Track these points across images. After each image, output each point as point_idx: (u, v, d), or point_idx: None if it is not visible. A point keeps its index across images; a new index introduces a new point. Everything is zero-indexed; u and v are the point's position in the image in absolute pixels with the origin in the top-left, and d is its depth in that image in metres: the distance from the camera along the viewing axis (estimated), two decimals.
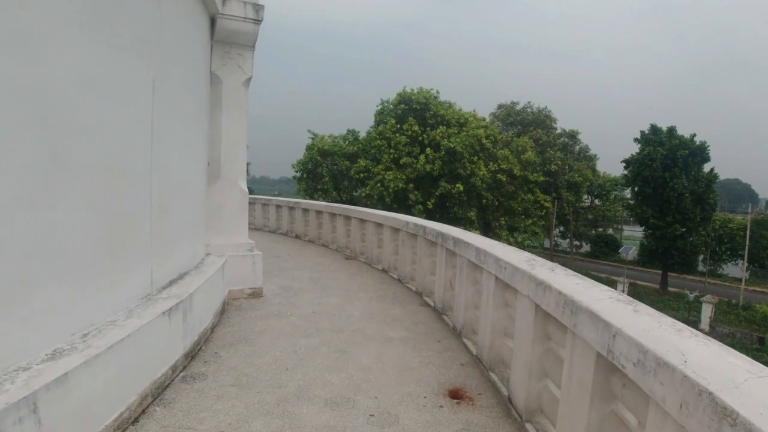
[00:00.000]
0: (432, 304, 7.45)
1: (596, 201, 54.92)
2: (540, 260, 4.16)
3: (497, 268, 4.54)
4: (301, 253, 12.20)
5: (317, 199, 36.16)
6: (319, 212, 13.81)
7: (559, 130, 50.52)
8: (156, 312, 4.42)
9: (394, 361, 5.22)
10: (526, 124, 48.79)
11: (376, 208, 31.92)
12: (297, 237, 14.98)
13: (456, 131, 32.44)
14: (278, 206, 16.23)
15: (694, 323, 28.74)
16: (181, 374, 4.81)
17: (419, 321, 6.70)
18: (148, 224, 4.85)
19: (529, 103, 50.15)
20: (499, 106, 51.76)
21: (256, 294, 7.86)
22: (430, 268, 7.80)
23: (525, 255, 4.43)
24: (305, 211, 14.62)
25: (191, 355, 5.22)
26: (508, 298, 4.54)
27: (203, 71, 7.19)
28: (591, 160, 53.65)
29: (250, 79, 8.02)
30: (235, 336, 5.95)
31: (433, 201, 30.92)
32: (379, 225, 10.25)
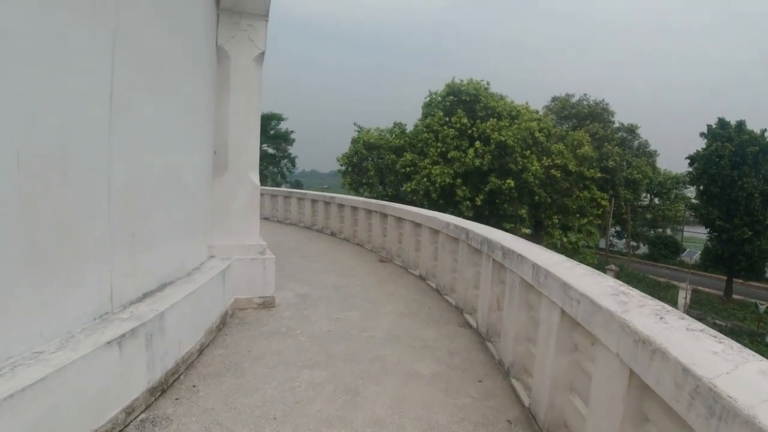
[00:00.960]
0: (474, 324, 6.06)
1: (655, 200, 51.61)
2: (635, 294, 2.73)
3: (564, 298, 3.15)
4: (332, 253, 11.02)
5: (362, 194, 35.06)
6: (354, 208, 12.60)
7: (616, 124, 47.68)
8: (98, 342, 3.28)
9: (418, 410, 3.89)
10: (582, 117, 46.17)
11: (421, 203, 30.46)
12: (332, 234, 13.83)
13: (507, 124, 30.52)
14: (314, 201, 15.12)
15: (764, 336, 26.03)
16: (141, 416, 3.67)
17: (456, 350, 5.31)
18: (104, 224, 3.71)
19: (585, 95, 47.46)
20: (553, 99, 49.27)
21: (266, 304, 6.69)
22: (473, 279, 6.42)
23: (608, 282, 3.02)
24: (341, 206, 13.44)
25: (161, 389, 4.07)
26: (579, 341, 3.14)
27: (205, 43, 6.05)
28: (651, 156, 50.51)
29: (263, 54, 6.84)
30: (225, 362, 4.77)
31: (481, 197, 29.17)
32: (417, 225, 8.91)
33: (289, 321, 6.09)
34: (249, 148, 6.81)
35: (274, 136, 48.65)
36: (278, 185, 62.94)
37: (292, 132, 49.56)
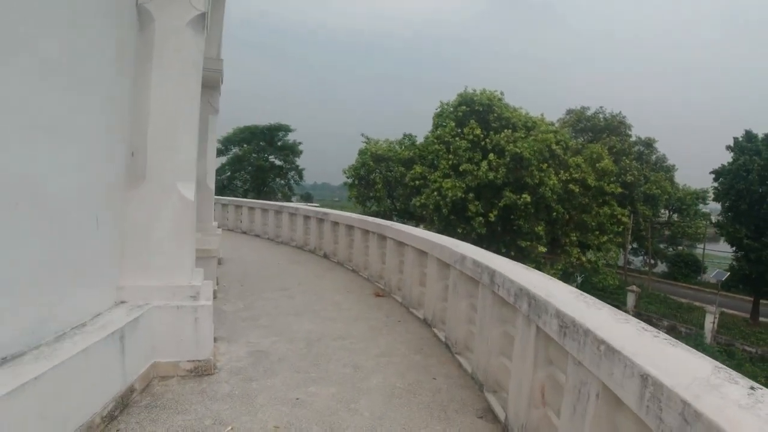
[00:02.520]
0: (502, 416, 3.87)
1: (674, 216, 48.97)
2: None
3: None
4: (318, 282, 8.89)
5: (370, 208, 32.99)
6: (350, 227, 10.49)
7: (633, 138, 45.32)
8: None
9: None
10: (598, 130, 43.85)
11: (431, 219, 28.27)
12: (325, 256, 11.72)
13: (523, 135, 28.35)
14: (306, 217, 13.04)
15: None
16: None
17: None
18: None
19: (601, 108, 45.14)
20: (568, 112, 47.02)
21: (200, 370, 4.57)
22: (499, 343, 4.24)
23: None
24: (335, 224, 11.34)
25: None
26: None
27: None
28: (669, 171, 48.03)
29: (203, 17, 4.79)
30: None
31: (495, 213, 26.88)
32: (422, 253, 6.76)
33: (223, 404, 3.95)
34: (180, 147, 4.72)
35: (281, 147, 46.84)
36: (288, 198, 61.23)
37: (300, 143, 47.73)
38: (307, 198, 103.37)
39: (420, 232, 7.30)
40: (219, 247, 10.31)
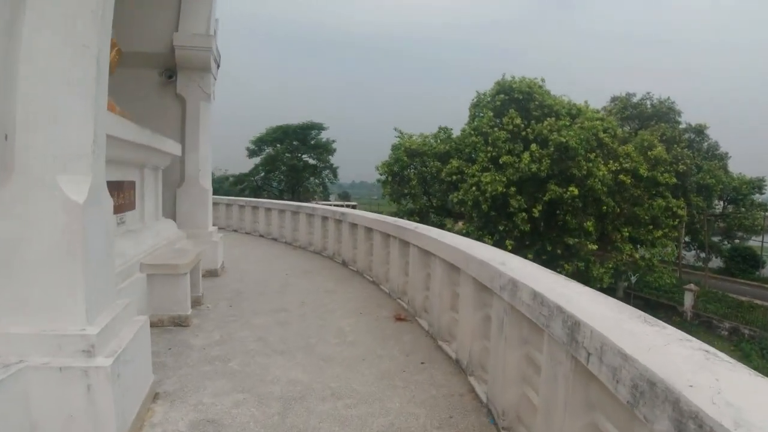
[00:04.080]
0: None
1: (729, 207, 45.05)
2: None
3: None
4: (327, 300, 7.13)
5: (405, 206, 31.09)
6: (369, 230, 8.69)
7: (683, 125, 41.84)
8: None
9: None
10: (645, 118, 40.65)
11: (470, 215, 26.16)
12: (343, 264, 9.96)
13: (567, 123, 25.87)
14: (324, 218, 11.32)
15: None
16: None
17: None
18: None
19: (647, 94, 41.85)
20: (613, 99, 43.80)
21: None
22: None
23: None
24: (353, 226, 9.57)
25: None
26: None
27: None
28: (722, 159, 44.18)
29: None
30: None
31: (539, 208, 24.56)
32: (454, 268, 4.89)
33: None
34: (66, 122, 3.02)
35: (314, 145, 45.55)
36: (326, 198, 59.98)
37: (333, 141, 46.30)
38: (344, 196, 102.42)
39: (450, 237, 5.39)
40: (220, 255, 8.73)
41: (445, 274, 5.13)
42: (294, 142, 45.10)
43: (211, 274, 8.50)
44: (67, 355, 2.88)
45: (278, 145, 44.75)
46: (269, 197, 43.90)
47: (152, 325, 5.72)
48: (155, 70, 8.35)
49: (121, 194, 6.09)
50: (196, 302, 6.61)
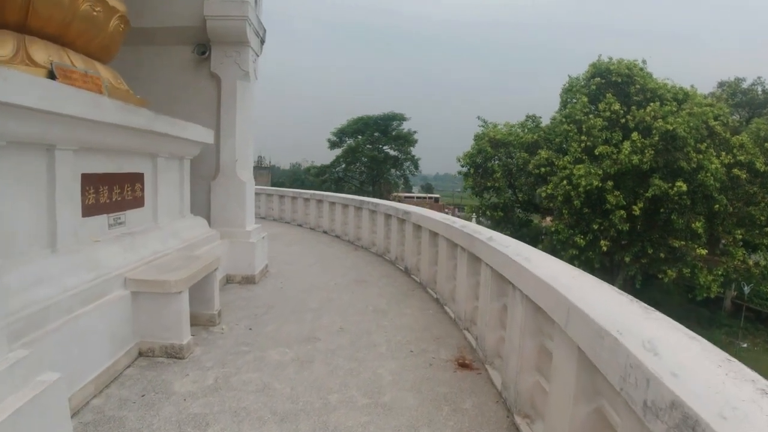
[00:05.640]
0: None
1: None
2: None
3: None
4: (373, 325, 5.51)
5: (488, 200, 28.86)
6: (434, 234, 6.98)
7: None
8: None
9: None
10: (757, 105, 35.21)
11: (560, 212, 23.40)
12: (406, 272, 8.33)
13: (674, 109, 22.42)
14: (387, 216, 9.72)
15: None
16: None
17: None
18: None
19: (759, 78, 36.23)
20: (720, 85, 38.37)
21: None
22: None
23: None
24: (417, 228, 7.91)
25: None
26: None
27: None
28: None
29: None
30: None
31: (640, 205, 21.39)
32: (544, 314, 3.09)
33: None
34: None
35: (395, 137, 44.09)
36: (408, 190, 58.52)
37: (414, 132, 44.57)
38: (427, 189, 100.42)
39: (540, 263, 3.45)
40: (259, 258, 7.45)
41: (529, 317, 3.35)
42: (375, 134, 43.89)
43: (247, 281, 7.19)
44: None
45: (359, 137, 43.76)
46: (349, 190, 43.13)
47: (141, 354, 4.42)
48: (187, 46, 7.13)
49: (117, 189, 4.83)
50: (209, 322, 5.26)
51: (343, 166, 45.37)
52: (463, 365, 4.35)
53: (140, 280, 4.29)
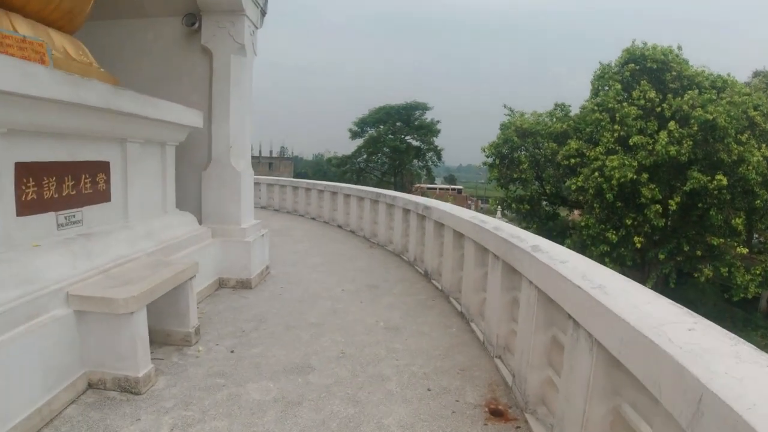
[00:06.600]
0: None
1: None
2: None
3: None
4: (386, 347, 4.51)
5: (514, 192, 27.47)
6: (459, 235, 5.92)
7: None
8: None
9: None
10: None
11: (591, 205, 21.96)
12: (426, 275, 7.29)
13: (713, 97, 20.73)
14: (405, 210, 8.67)
15: None
16: None
17: None
18: None
19: None
20: (756, 74, 35.96)
21: None
22: None
23: None
24: (439, 226, 6.86)
25: None
26: None
27: None
28: None
29: None
30: None
31: (677, 199, 19.84)
32: (617, 365, 2.06)
33: None
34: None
35: (418, 126, 42.80)
36: (431, 181, 57.20)
37: (438, 122, 43.22)
38: (450, 180, 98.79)
39: (623, 288, 2.43)
40: (257, 259, 6.51)
41: (600, 370, 2.28)
42: (397, 123, 42.68)
43: (242, 285, 6.23)
44: None
45: (381, 126, 42.59)
46: (371, 181, 42.09)
47: (91, 386, 3.43)
48: (176, 17, 6.16)
49: (71, 181, 3.90)
50: (184, 342, 4.31)
51: (365, 156, 44.29)
52: (496, 413, 3.30)
53: (84, 297, 3.34)
